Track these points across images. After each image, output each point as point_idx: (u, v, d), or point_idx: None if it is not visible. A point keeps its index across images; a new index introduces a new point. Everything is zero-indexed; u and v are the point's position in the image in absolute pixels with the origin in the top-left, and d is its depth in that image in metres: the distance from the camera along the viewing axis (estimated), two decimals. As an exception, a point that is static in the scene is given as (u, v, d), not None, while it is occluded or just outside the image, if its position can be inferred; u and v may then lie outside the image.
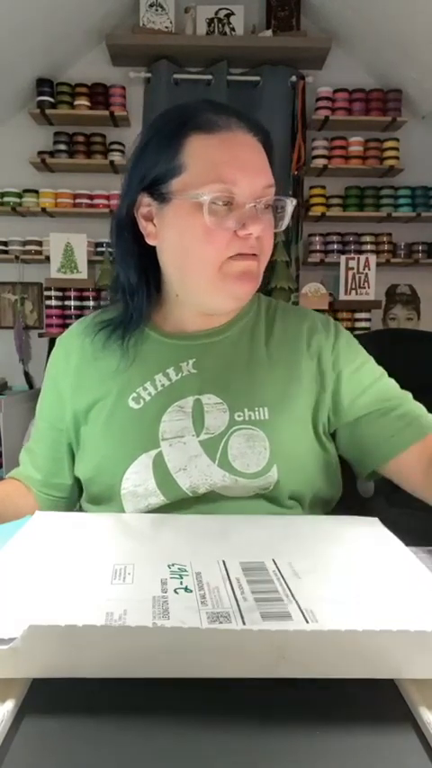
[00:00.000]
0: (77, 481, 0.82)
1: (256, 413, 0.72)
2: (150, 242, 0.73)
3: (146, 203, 0.71)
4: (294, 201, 0.72)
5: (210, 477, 0.70)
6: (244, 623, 0.39)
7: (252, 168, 0.67)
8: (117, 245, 0.75)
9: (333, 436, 0.79)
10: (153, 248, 0.74)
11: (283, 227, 0.72)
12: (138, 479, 0.72)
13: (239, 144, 0.67)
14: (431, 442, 0.72)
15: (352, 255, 3.04)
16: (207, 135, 0.66)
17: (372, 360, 0.79)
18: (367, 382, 0.76)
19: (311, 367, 0.75)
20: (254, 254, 0.69)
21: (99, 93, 2.99)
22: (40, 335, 3.11)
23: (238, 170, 0.66)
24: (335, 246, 3.11)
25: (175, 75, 2.96)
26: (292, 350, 0.76)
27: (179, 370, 0.74)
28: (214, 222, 0.65)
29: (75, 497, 0.84)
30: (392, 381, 0.79)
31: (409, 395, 0.78)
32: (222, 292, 0.70)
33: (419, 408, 0.76)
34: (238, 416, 0.72)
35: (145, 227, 0.72)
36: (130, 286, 0.75)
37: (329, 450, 0.77)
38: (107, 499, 0.75)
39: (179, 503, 0.71)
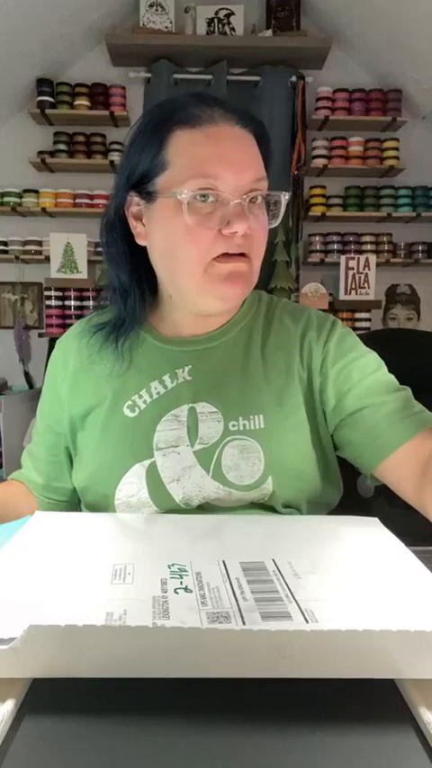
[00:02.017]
0: None
1: (251, 421, 0.70)
2: (140, 242, 0.70)
3: (135, 202, 0.69)
4: (287, 195, 0.69)
5: (203, 488, 0.69)
6: (244, 623, 0.39)
7: (237, 162, 0.64)
8: (108, 245, 0.73)
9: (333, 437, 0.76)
10: (146, 248, 0.71)
11: (277, 223, 0.69)
12: (131, 490, 0.70)
13: (224, 137, 0.64)
14: (426, 442, 0.65)
15: (352, 255, 3.04)
16: (191, 130, 0.64)
17: (369, 355, 0.74)
18: (356, 379, 0.70)
19: (303, 368, 0.73)
20: (242, 254, 0.66)
21: (99, 93, 2.99)
22: (40, 335, 3.11)
23: (221, 165, 0.63)
24: (335, 246, 3.11)
25: (175, 75, 2.96)
26: (288, 353, 0.74)
27: (174, 377, 0.73)
28: (196, 221, 0.63)
29: (76, 501, 0.83)
30: (390, 376, 0.73)
31: (407, 389, 0.72)
32: (209, 294, 0.67)
33: (413, 405, 0.70)
34: (233, 426, 0.70)
35: (135, 226, 0.70)
36: (122, 288, 0.73)
37: (329, 454, 0.75)
38: (102, 508, 0.74)
39: (172, 513, 0.70)
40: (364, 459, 0.71)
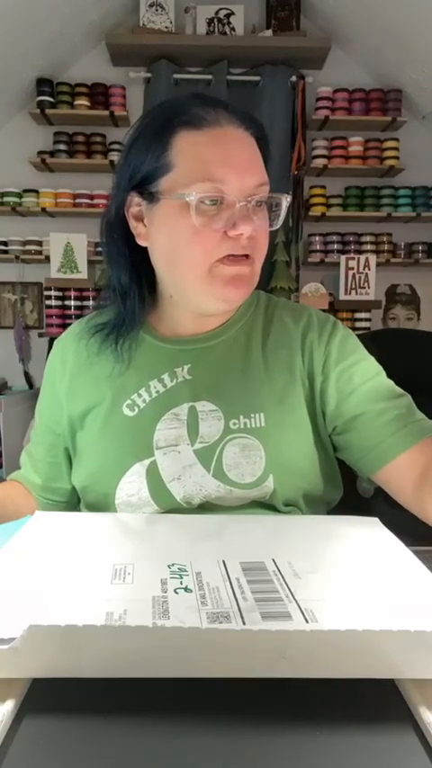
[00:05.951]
0: None
1: (252, 420, 0.70)
2: (141, 242, 0.70)
3: (136, 203, 0.69)
4: (289, 198, 0.70)
5: (204, 487, 0.69)
6: (244, 623, 0.39)
7: (243, 166, 0.64)
8: (107, 245, 0.73)
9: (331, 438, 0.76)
10: (145, 248, 0.71)
11: (278, 226, 0.70)
12: (131, 489, 0.71)
13: (229, 140, 0.64)
14: (427, 450, 0.66)
15: (352, 255, 3.04)
16: (195, 131, 0.64)
17: (369, 359, 0.75)
18: (358, 382, 0.71)
19: (304, 369, 0.73)
20: (246, 256, 0.66)
21: (99, 93, 2.99)
22: (40, 335, 3.11)
23: (227, 168, 0.63)
24: (335, 246, 3.11)
25: (175, 75, 2.96)
26: (288, 352, 0.74)
27: (174, 376, 0.73)
28: (203, 223, 0.63)
29: (75, 501, 0.83)
30: (389, 381, 0.74)
31: (407, 396, 0.73)
32: (211, 295, 0.67)
33: (414, 412, 0.71)
34: (234, 424, 0.70)
35: (135, 227, 0.70)
36: (122, 288, 0.73)
37: (329, 453, 0.76)
38: (103, 508, 0.74)
39: (173, 513, 0.70)
40: (364, 464, 0.71)
